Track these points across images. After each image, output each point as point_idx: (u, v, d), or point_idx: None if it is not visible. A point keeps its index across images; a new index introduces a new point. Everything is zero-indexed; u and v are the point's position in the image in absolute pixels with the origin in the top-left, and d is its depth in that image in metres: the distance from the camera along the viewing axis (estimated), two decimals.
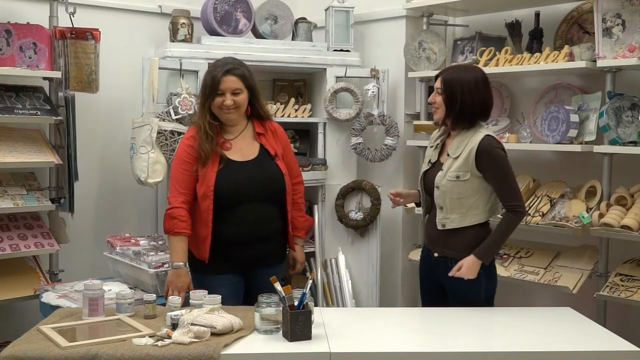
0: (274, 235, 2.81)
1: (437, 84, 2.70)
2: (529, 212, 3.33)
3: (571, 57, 3.23)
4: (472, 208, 2.63)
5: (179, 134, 3.32)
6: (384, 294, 3.89)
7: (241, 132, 2.76)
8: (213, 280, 2.63)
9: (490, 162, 2.60)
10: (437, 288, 2.77)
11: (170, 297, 2.38)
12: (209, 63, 3.43)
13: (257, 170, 2.72)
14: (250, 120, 2.80)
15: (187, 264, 2.66)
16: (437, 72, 3.63)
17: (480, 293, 2.67)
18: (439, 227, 2.67)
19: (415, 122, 3.85)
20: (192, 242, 2.71)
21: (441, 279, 2.72)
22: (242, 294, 2.78)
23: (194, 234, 2.69)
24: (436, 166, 2.74)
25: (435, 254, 2.72)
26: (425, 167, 2.81)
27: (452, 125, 2.70)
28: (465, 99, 2.62)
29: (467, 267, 2.59)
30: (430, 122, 3.64)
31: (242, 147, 2.74)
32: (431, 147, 2.82)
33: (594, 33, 3.18)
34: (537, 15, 3.53)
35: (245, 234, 2.69)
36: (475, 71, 2.70)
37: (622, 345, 2.21)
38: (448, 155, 2.67)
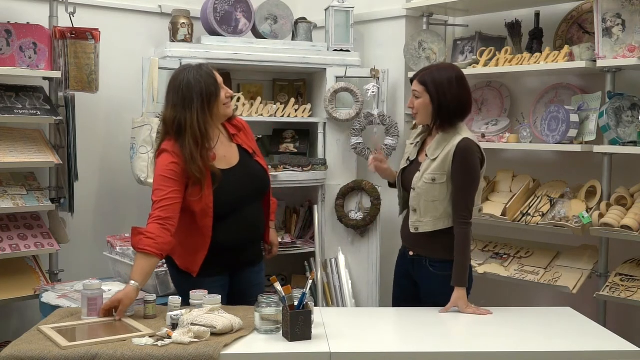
0: (261, 236, 2.81)
1: (414, 86, 2.67)
2: (529, 212, 3.33)
3: (571, 57, 3.24)
4: (445, 212, 2.62)
5: None
6: (384, 294, 3.88)
7: (218, 137, 2.63)
8: (202, 284, 2.52)
9: (462, 166, 2.58)
10: (410, 286, 2.78)
11: (170, 297, 2.38)
12: (209, 63, 3.43)
13: (244, 174, 2.67)
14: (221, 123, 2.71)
15: (140, 287, 2.40)
16: None
17: (449, 296, 2.61)
18: (412, 230, 2.67)
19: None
20: (179, 252, 2.61)
21: (415, 277, 2.74)
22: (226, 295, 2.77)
23: (184, 245, 2.59)
24: (414, 165, 2.73)
25: (410, 253, 2.74)
26: (403, 164, 2.79)
27: (433, 126, 2.69)
28: (440, 99, 2.60)
29: (460, 306, 2.55)
30: None
31: (225, 154, 2.64)
32: (411, 144, 2.81)
33: (594, 33, 3.18)
34: (537, 15, 3.53)
35: (240, 239, 2.67)
36: (450, 70, 2.67)
37: (622, 345, 2.21)
38: (426, 155, 2.66)
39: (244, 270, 2.73)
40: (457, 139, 2.59)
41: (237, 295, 2.69)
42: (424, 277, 2.70)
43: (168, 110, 2.55)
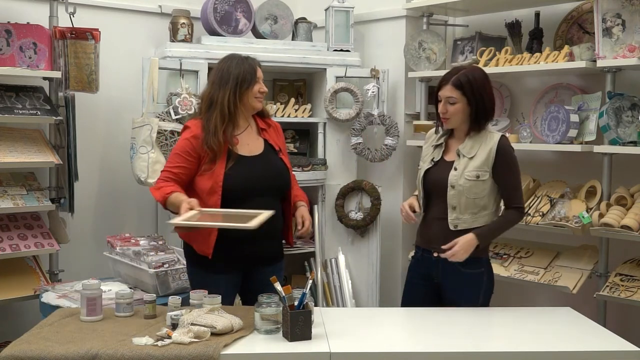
0: (278, 233, 2.80)
1: (448, 92, 2.61)
2: (529, 212, 3.33)
3: (571, 57, 3.24)
4: (483, 209, 2.63)
5: (179, 134, 3.31)
6: (384, 294, 3.89)
7: (246, 127, 2.74)
8: (214, 280, 2.59)
9: (508, 161, 2.63)
10: (430, 291, 2.73)
11: (170, 297, 2.38)
12: (209, 63, 3.45)
13: (264, 165, 2.71)
14: (252, 116, 2.80)
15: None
16: (437, 72, 3.67)
17: (479, 296, 2.66)
18: (451, 227, 2.63)
19: (415, 122, 3.86)
20: (194, 237, 2.67)
21: (439, 279, 2.70)
22: (237, 293, 2.80)
23: (198, 229, 2.63)
24: (441, 165, 2.70)
25: (435, 254, 2.68)
26: (426, 165, 2.75)
27: (468, 130, 2.66)
28: (478, 102, 2.61)
29: (461, 245, 2.56)
30: (430, 122, 3.64)
31: (249, 142, 2.72)
32: (432, 145, 2.78)
33: (594, 33, 3.18)
34: (537, 15, 3.53)
35: (252, 230, 2.68)
36: (479, 70, 2.69)
37: (622, 345, 2.21)
38: (460, 155, 2.64)
39: (260, 269, 2.70)
40: (495, 136, 2.64)
41: (254, 293, 2.68)
42: (451, 277, 2.66)
43: (207, 88, 2.75)
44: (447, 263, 2.64)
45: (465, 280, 2.65)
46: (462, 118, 2.64)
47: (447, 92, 2.62)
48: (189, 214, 2.44)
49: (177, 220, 2.41)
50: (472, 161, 2.62)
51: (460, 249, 2.56)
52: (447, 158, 2.71)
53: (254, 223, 2.38)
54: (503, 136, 2.66)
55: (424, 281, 2.75)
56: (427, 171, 2.74)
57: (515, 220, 2.68)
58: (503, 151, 2.61)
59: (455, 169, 2.64)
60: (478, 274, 2.66)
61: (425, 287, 2.74)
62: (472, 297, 2.65)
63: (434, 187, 2.70)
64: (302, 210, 2.83)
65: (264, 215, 2.47)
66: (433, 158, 2.74)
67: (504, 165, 2.62)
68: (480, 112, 2.62)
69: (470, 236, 2.57)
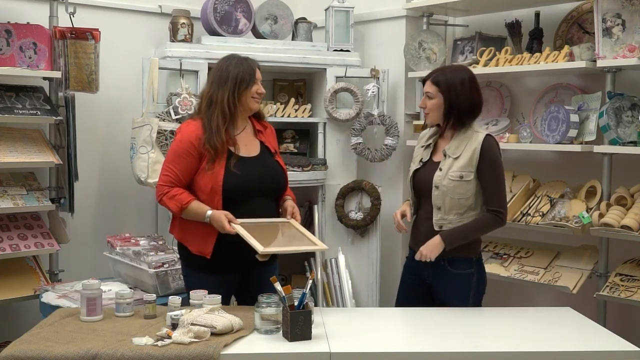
0: None
1: (427, 87, 2.70)
2: (529, 212, 3.33)
3: (571, 57, 3.24)
4: (469, 209, 2.63)
5: None
6: (384, 294, 3.89)
7: (244, 128, 2.74)
8: (210, 281, 2.57)
9: (490, 162, 2.62)
10: (423, 291, 2.74)
11: (170, 297, 2.38)
12: (209, 63, 3.46)
13: (262, 166, 2.72)
14: (249, 118, 2.81)
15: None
16: None
17: (469, 296, 2.66)
18: (436, 228, 2.64)
19: (415, 122, 3.86)
20: (190, 238, 2.67)
21: (429, 280, 2.71)
22: (232, 294, 2.79)
23: (195, 230, 2.64)
24: (429, 166, 2.72)
25: None
26: (415, 166, 2.78)
27: (444, 127, 2.70)
28: (452, 100, 2.63)
29: (427, 248, 2.61)
30: None
31: (246, 144, 2.72)
32: (422, 146, 2.81)
33: (594, 33, 3.18)
34: (537, 15, 3.53)
35: None
36: (463, 71, 2.70)
37: (622, 345, 2.22)
38: (446, 155, 2.66)
39: (256, 269, 2.70)
40: (481, 136, 2.63)
41: (250, 293, 2.68)
42: (441, 278, 2.67)
43: (206, 86, 2.76)
44: (435, 263, 2.66)
45: (454, 281, 2.66)
46: (438, 114, 2.68)
47: (426, 87, 2.71)
48: (240, 230, 2.53)
49: (268, 249, 2.50)
50: (456, 161, 2.63)
51: (425, 250, 2.61)
52: (435, 159, 2.73)
53: (322, 245, 2.71)
54: (488, 136, 2.65)
55: (417, 281, 2.77)
56: (415, 172, 2.77)
57: (490, 224, 2.64)
58: (486, 152, 2.61)
59: (440, 169, 2.65)
60: (467, 275, 2.67)
61: (418, 286, 2.76)
62: (462, 297, 2.66)
63: (421, 188, 2.73)
64: (289, 202, 2.83)
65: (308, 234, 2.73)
66: (422, 159, 2.77)
67: (486, 166, 2.61)
68: (453, 110, 2.63)
69: (436, 239, 2.61)
